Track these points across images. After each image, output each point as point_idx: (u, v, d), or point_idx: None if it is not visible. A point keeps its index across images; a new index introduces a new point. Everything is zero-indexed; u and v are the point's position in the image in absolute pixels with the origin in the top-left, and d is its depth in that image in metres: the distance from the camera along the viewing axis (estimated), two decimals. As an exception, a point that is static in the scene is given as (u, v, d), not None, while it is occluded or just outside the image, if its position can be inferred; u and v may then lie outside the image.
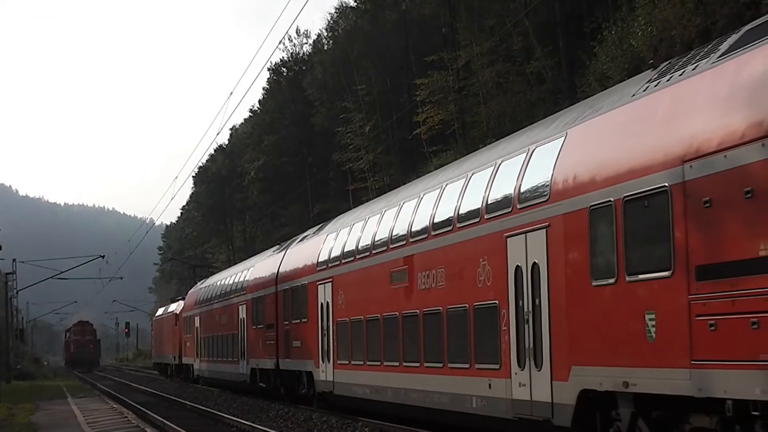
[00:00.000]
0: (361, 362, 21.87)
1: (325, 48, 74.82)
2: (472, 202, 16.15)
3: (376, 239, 21.18)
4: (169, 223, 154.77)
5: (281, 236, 58.83)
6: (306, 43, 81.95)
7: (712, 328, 10.05)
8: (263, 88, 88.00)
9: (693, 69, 11.20)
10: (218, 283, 43.79)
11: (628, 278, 11.52)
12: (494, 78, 45.44)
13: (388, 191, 28.29)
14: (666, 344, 10.80)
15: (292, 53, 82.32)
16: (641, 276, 11.26)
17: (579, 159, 12.98)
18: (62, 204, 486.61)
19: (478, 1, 49.11)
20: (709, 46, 11.55)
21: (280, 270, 30.49)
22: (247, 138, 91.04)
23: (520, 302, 14.23)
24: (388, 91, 60.11)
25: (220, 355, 40.65)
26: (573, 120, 13.84)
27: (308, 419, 23.67)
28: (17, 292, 70.73)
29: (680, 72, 11.52)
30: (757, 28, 10.87)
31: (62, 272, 65.39)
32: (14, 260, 64.79)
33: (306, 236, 30.27)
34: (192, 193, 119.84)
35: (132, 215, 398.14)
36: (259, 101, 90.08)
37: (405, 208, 19.90)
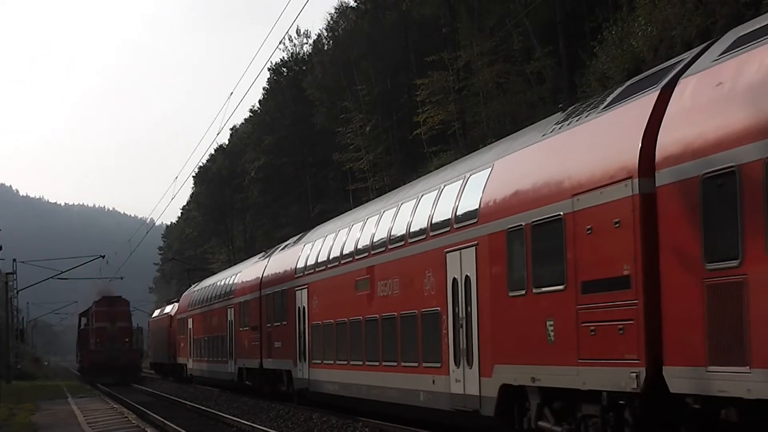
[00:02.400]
0: (332, 362, 24.16)
1: (325, 48, 74.81)
2: (421, 220, 18.54)
3: (344, 250, 23.56)
4: (169, 223, 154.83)
5: (281, 236, 58.85)
6: (306, 43, 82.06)
7: (593, 332, 12.26)
8: (263, 88, 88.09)
9: (586, 116, 13.49)
10: (209, 287, 46.13)
11: (534, 290, 13.81)
12: (494, 78, 45.42)
13: (389, 191, 28.60)
14: (561, 346, 12.99)
15: (292, 53, 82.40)
16: (544, 289, 13.54)
17: (501, 188, 15.37)
18: (62, 204, 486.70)
19: (479, 2, 49.10)
20: (609, 95, 13.68)
21: (263, 276, 32.79)
22: (247, 138, 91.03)
23: (456, 309, 16.50)
24: (388, 91, 60.10)
25: (210, 356, 43.07)
26: (499, 153, 16.23)
27: (308, 419, 23.68)
28: (17, 292, 70.70)
29: (577, 118, 13.79)
30: (635, 84, 13.09)
31: (62, 272, 65.39)
32: (14, 260, 64.78)
33: (287, 245, 32.59)
34: (192, 193, 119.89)
35: (132, 215, 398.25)
36: (260, 101, 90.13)
37: (369, 222, 22.22)
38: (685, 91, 11.28)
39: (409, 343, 18.87)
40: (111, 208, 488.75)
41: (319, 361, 25.50)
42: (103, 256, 62.86)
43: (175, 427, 22.81)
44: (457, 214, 16.71)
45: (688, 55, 12.34)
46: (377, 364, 20.75)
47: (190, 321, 50.14)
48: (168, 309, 63.88)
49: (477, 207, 15.88)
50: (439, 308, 17.21)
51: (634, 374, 11.37)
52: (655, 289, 11.16)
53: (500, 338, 14.92)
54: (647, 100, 11.96)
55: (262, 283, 32.84)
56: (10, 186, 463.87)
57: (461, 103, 48.47)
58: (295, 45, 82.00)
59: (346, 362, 23.12)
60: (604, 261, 12.03)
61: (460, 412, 16.38)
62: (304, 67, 79.35)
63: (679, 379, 10.77)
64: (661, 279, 11.09)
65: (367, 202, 29.81)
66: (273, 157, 79.30)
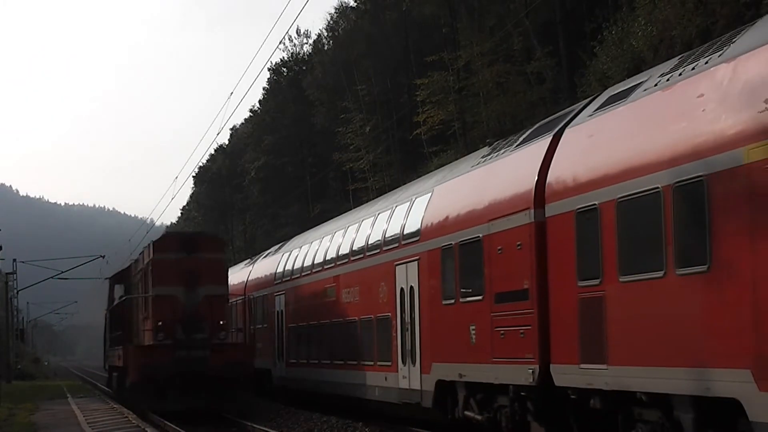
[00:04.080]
0: (305, 361, 27.26)
1: (326, 48, 74.78)
2: (377, 236, 21.20)
3: (315, 260, 26.46)
4: (169, 223, 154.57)
5: (281, 236, 58.84)
6: (306, 43, 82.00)
7: (503, 336, 14.76)
8: (263, 88, 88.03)
9: (502, 153, 16.14)
10: None
11: (461, 300, 16.38)
12: (494, 78, 45.40)
13: (389, 191, 28.89)
14: (480, 347, 15.54)
15: (292, 53, 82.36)
16: (468, 299, 16.11)
17: (437, 211, 17.96)
18: (62, 204, 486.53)
19: (479, 2, 49.09)
20: (522, 134, 16.17)
21: (248, 281, 35.49)
22: (247, 138, 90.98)
23: (403, 315, 19.18)
24: (389, 91, 60.07)
25: None
26: (438, 180, 18.93)
27: (309, 419, 23.70)
28: (17, 292, 70.71)
29: (496, 154, 16.49)
30: (541, 127, 15.40)
31: (62, 272, 65.35)
32: (14, 260, 64.77)
33: (269, 253, 35.72)
34: (192, 193, 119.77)
35: (132, 215, 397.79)
36: (260, 101, 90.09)
37: (336, 236, 25.17)
38: (568, 139, 13.85)
39: (366, 345, 21.59)
40: (111, 208, 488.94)
41: (295, 361, 28.40)
42: (103, 256, 62.77)
43: (175, 427, 22.79)
44: (404, 232, 19.41)
45: (578, 106, 14.92)
46: (342, 363, 23.50)
47: None
48: None
49: (419, 227, 18.58)
50: (390, 314, 19.90)
51: (531, 371, 13.90)
52: (545, 300, 13.66)
53: (436, 340, 17.63)
54: (543, 144, 14.46)
55: (246, 288, 34.92)
56: (10, 186, 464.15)
57: (461, 103, 48.47)
58: (295, 45, 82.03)
59: (317, 361, 25.98)
60: (511, 276, 14.56)
61: (406, 404, 19.12)
62: (304, 67, 79.33)
63: (561, 375, 13.31)
64: (549, 293, 13.61)
65: (367, 202, 30.65)
66: (273, 157, 79.30)
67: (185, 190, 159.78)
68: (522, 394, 14.36)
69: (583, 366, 12.62)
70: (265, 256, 35.67)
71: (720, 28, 24.78)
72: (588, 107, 13.98)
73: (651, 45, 29.94)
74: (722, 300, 10.19)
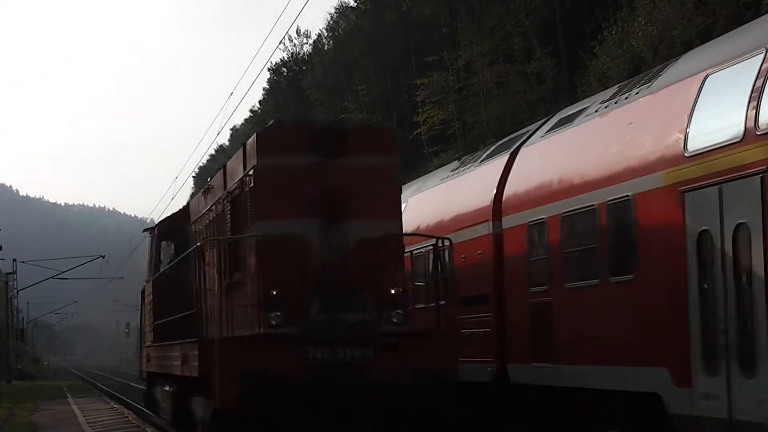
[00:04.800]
0: None
1: (326, 48, 74.75)
2: None
3: None
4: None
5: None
6: (306, 43, 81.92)
7: (468, 336, 15.75)
8: (263, 89, 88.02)
9: (468, 168, 17.64)
10: None
11: (431, 304, 16.86)
12: (494, 78, 45.40)
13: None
14: None
15: (292, 53, 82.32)
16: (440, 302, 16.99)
17: (411, 219, 18.71)
18: (62, 204, 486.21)
19: (479, 2, 49.08)
20: (486, 150, 17.83)
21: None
22: (247, 138, 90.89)
23: None
24: (389, 91, 60.05)
25: None
26: (413, 192, 20.35)
27: (308, 419, 23.68)
28: (17, 292, 70.69)
29: (463, 168, 18.00)
30: (502, 144, 16.92)
31: (62, 272, 65.32)
32: (14, 260, 64.75)
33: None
34: (192, 193, 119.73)
35: (132, 215, 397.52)
36: (260, 101, 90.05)
37: None
38: (522, 158, 15.26)
39: None
40: (111, 208, 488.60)
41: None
42: (104, 256, 62.76)
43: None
44: None
45: (533, 127, 16.27)
46: None
47: None
48: None
49: None
50: None
51: (490, 369, 15.30)
52: (502, 305, 15.02)
53: None
54: (501, 162, 15.84)
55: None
56: (10, 186, 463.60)
57: (461, 103, 48.46)
58: (295, 45, 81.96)
59: None
60: (473, 282, 15.91)
61: None
62: (304, 67, 79.27)
63: (516, 373, 14.77)
64: (505, 298, 14.98)
65: None
66: (273, 157, 79.18)
67: (185, 190, 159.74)
68: (483, 391, 15.77)
69: (534, 365, 14.10)
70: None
71: (720, 27, 24.76)
72: (541, 128, 15.35)
73: (651, 45, 29.94)
74: (645, 306, 11.50)
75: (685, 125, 10.95)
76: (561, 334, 13.32)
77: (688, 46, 23.42)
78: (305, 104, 73.54)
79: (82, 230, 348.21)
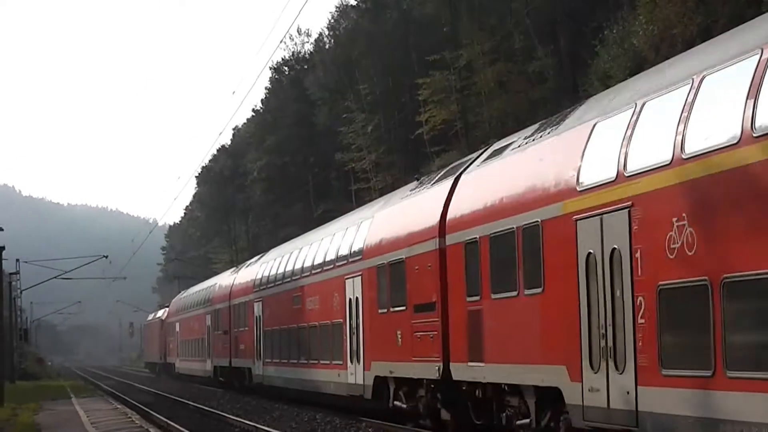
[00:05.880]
0: (278, 360, 30.85)
1: (327, 47, 74.71)
2: (332, 253, 25.13)
3: (285, 272, 30.32)
4: (172, 224, 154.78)
5: (284, 236, 58.86)
6: (307, 42, 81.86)
7: (419, 339, 18.27)
8: (265, 88, 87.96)
9: (423, 189, 20.07)
10: (193, 295, 53.83)
11: (391, 309, 20.01)
12: (496, 77, 45.44)
13: (391, 191, 29.20)
14: (404, 348, 19.18)
15: (293, 52, 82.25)
16: (395, 308, 19.81)
17: (375, 234, 21.71)
18: (65, 204, 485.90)
19: (480, 1, 49.07)
20: (438, 173, 20.20)
21: (232, 288, 39.51)
22: (249, 138, 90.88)
23: (352, 321, 22.82)
24: (390, 91, 60.01)
25: (193, 355, 50.83)
26: (379, 208, 22.98)
27: (312, 419, 23.76)
28: (21, 293, 70.72)
29: (419, 189, 20.36)
30: (452, 168, 19.01)
31: (66, 272, 65.37)
32: (17, 260, 64.75)
33: (251, 263, 39.60)
34: (195, 193, 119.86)
35: (135, 215, 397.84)
36: (262, 100, 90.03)
37: (302, 252, 28.96)
38: (462, 184, 17.49)
39: (324, 346, 25.21)
40: (114, 209, 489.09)
41: (270, 360, 32.16)
42: (107, 256, 62.77)
43: (178, 427, 22.84)
44: (352, 250, 23.14)
45: (476, 155, 18.51)
46: (306, 362, 27.11)
47: (177, 325, 57.25)
48: (159, 314, 71.72)
49: (362, 247, 22.32)
50: (341, 320, 23.57)
51: (436, 368, 17.41)
52: (446, 312, 17.17)
53: (374, 343, 21.25)
54: (447, 186, 18.09)
55: (231, 294, 39.38)
56: (13, 186, 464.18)
57: (463, 103, 48.49)
58: (296, 44, 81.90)
59: (287, 361, 29.59)
60: (424, 291, 18.14)
61: (353, 396, 22.85)
62: (305, 66, 79.22)
63: (456, 371, 16.83)
64: (448, 305, 17.10)
65: (370, 201, 31.63)
66: (275, 156, 79.19)
67: (188, 190, 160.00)
68: (432, 386, 18.11)
69: (470, 364, 16.25)
70: (246, 266, 40.17)
71: (721, 26, 24.76)
72: (479, 158, 17.68)
73: (652, 44, 29.96)
74: (549, 315, 13.69)
75: (578, 164, 13.02)
76: (489, 337, 15.56)
77: (689, 45, 23.41)
78: (307, 103, 73.54)
79: (85, 230, 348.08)
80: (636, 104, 12.08)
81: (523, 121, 34.01)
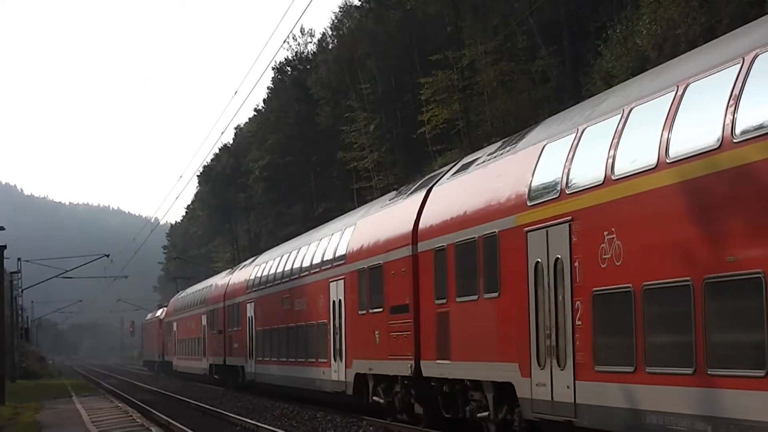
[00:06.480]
0: (269, 358, 32.53)
1: (330, 47, 74.67)
2: (318, 257, 26.61)
3: (276, 275, 31.90)
4: (174, 223, 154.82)
5: (285, 235, 58.86)
6: (310, 42, 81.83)
7: (395, 338, 19.76)
8: (268, 87, 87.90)
9: (400, 198, 21.79)
10: (189, 295, 55.60)
11: (370, 311, 21.53)
12: (499, 77, 45.38)
13: (393, 190, 29.18)
14: (382, 347, 20.62)
15: (296, 52, 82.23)
16: (374, 310, 21.26)
17: (356, 240, 23.24)
18: (67, 203, 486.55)
19: (483, 0, 49.03)
20: (415, 184, 21.73)
21: (227, 289, 40.79)
22: (251, 137, 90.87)
23: (335, 321, 24.37)
24: (393, 90, 59.99)
25: (190, 353, 52.59)
26: (362, 215, 24.56)
27: (313, 418, 23.72)
28: (22, 291, 70.72)
29: (396, 198, 22.05)
30: (426, 180, 20.71)
31: (67, 271, 65.36)
32: (19, 259, 64.77)
33: (244, 265, 41.05)
34: (196, 192, 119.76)
35: (137, 214, 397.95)
36: (264, 100, 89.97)
37: (291, 255, 30.43)
38: (433, 195, 18.95)
39: (310, 345, 26.67)
40: (116, 207, 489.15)
41: (261, 358, 33.67)
42: (108, 255, 62.75)
43: (179, 426, 22.79)
44: (336, 255, 24.57)
45: (447, 168, 19.98)
46: (294, 360, 28.55)
47: (174, 324, 59.01)
48: (158, 313, 74.01)
49: (345, 252, 23.81)
50: (326, 320, 25.03)
51: (409, 365, 18.86)
52: (418, 313, 18.55)
53: (355, 342, 22.72)
54: (420, 196, 19.63)
55: (225, 295, 40.64)
56: (15, 185, 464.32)
57: (465, 102, 48.43)
58: (299, 44, 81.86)
59: (277, 359, 31.17)
60: (399, 294, 19.57)
61: (337, 393, 24.18)
62: (308, 66, 79.19)
63: (426, 368, 18.30)
64: (420, 307, 18.51)
65: (371, 201, 31.71)
66: (277, 156, 79.16)
67: (190, 189, 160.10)
68: (406, 382, 19.50)
69: (438, 361, 17.66)
70: (241, 268, 41.28)
71: (724, 26, 24.71)
72: (449, 171, 19.08)
73: (656, 44, 29.93)
74: (504, 317, 15.09)
75: (530, 181, 14.41)
76: (454, 337, 16.94)
77: (692, 45, 23.36)
78: (309, 103, 73.52)
79: (86, 229, 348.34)
80: (578, 129, 13.52)
81: (526, 121, 33.95)
